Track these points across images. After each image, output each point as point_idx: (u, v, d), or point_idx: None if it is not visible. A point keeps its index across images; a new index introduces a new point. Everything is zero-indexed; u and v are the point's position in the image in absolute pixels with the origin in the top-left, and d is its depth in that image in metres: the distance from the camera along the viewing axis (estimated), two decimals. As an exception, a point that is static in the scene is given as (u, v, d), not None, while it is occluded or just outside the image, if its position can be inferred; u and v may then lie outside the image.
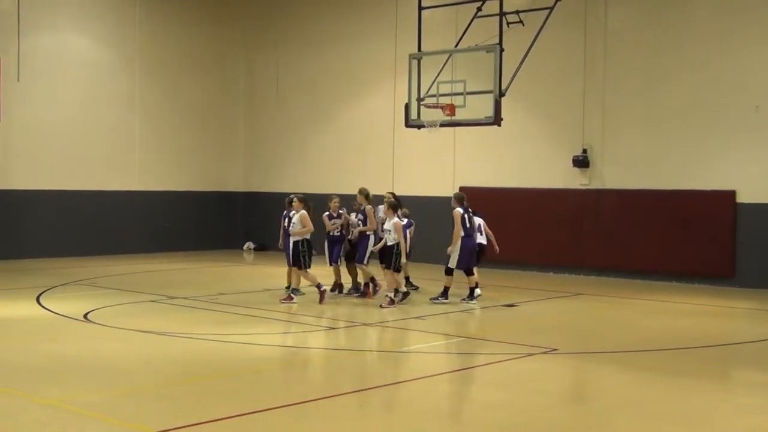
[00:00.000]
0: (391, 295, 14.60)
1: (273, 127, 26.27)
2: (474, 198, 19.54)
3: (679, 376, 10.07)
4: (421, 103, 17.67)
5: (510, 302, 15.70)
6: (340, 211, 15.76)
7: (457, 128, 19.36)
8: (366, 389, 9.23)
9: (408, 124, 18.22)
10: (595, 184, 20.20)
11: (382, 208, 15.26)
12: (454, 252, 15.12)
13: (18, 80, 21.54)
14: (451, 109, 17.05)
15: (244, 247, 26.04)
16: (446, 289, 15.18)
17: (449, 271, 15.17)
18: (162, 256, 23.58)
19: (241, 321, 13.37)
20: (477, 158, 21.88)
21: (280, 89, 25.98)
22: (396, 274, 14.73)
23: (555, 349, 11.28)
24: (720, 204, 18.45)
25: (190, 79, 25.53)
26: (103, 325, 12.62)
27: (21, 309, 14.14)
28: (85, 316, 13.30)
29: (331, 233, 15.63)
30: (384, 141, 23.41)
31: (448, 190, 21.85)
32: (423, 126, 17.83)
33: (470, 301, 15.20)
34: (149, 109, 24.58)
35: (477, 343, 12.07)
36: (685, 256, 18.82)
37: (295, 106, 25.68)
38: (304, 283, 15.20)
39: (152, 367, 10.02)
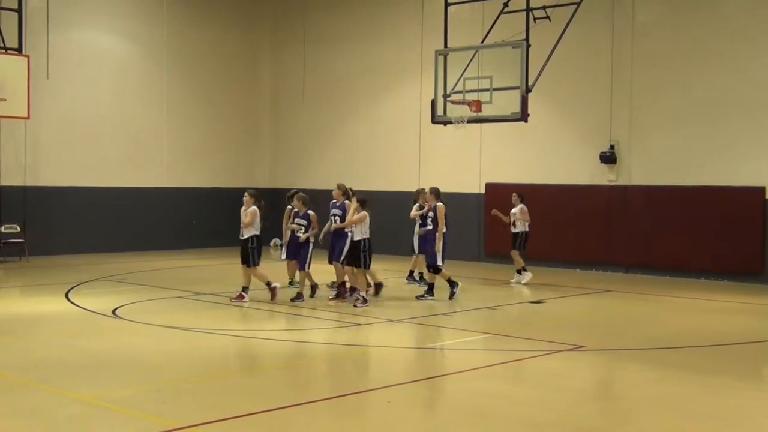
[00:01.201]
0: (364, 294, 14.27)
1: (299, 124, 26.34)
2: (501, 194, 19.51)
3: (708, 373, 10.00)
4: (448, 99, 17.69)
5: (537, 299, 15.67)
6: (308, 212, 14.92)
7: (484, 124, 19.31)
8: (393, 385, 9.23)
9: (434, 120, 18.25)
10: (623, 181, 20.06)
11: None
12: (439, 249, 15.03)
13: (47, 78, 21.77)
14: (478, 105, 17.07)
15: (271, 243, 26.13)
16: (451, 281, 15.16)
17: (437, 270, 15.05)
18: (189, 252, 23.73)
19: (267, 317, 13.44)
20: (503, 154, 21.80)
21: (306, 86, 26.04)
22: (365, 271, 14.34)
23: (582, 346, 11.24)
24: (749, 200, 18.26)
25: (217, 76, 25.68)
26: (131, 321, 12.74)
27: (50, 305, 14.31)
28: (114, 312, 13.42)
29: (295, 233, 15.01)
30: (410, 137, 23.39)
31: (475, 186, 21.87)
32: (449, 122, 17.85)
33: (429, 297, 15.15)
34: (177, 106, 24.74)
35: (503, 340, 12.04)
36: (714, 253, 18.66)
37: (322, 103, 25.72)
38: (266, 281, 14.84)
39: (180, 363, 10.09)
